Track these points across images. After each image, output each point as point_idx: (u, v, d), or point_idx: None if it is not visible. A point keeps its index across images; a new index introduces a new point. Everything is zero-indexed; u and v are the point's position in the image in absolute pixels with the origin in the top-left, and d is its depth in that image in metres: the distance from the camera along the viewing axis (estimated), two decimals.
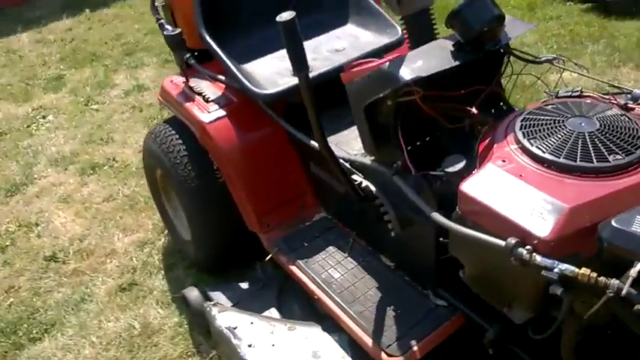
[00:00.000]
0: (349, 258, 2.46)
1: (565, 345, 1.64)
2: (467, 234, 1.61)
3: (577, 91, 1.86)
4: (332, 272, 2.41)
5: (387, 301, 2.23)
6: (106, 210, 3.79)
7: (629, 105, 1.75)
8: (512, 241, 1.49)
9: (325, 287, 2.35)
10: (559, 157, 1.58)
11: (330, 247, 2.53)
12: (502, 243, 1.50)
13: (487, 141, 1.78)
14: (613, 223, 1.40)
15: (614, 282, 1.36)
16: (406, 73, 1.81)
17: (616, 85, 1.99)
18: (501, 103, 2.10)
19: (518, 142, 1.68)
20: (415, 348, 2.02)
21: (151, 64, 5.57)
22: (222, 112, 2.70)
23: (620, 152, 1.55)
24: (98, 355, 2.88)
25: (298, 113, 2.67)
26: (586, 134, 1.62)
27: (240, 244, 2.98)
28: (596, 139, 1.60)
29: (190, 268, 3.24)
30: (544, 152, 1.61)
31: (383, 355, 2.05)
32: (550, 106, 1.78)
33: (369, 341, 2.11)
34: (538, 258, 1.45)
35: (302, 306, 2.59)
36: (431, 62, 1.84)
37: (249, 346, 2.34)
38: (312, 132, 2.02)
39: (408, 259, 2.27)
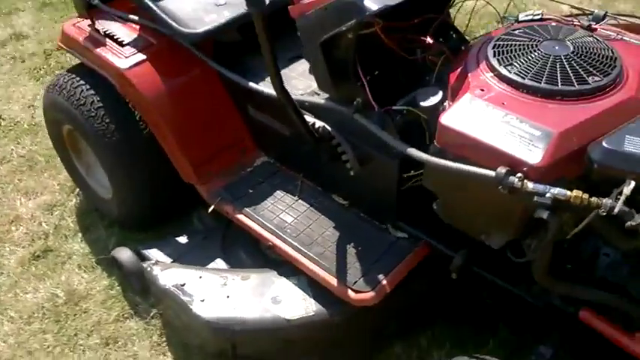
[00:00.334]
0: (300, 201, 2.41)
1: (539, 266, 1.76)
2: (451, 167, 1.62)
3: (538, 15, 1.90)
4: (284, 217, 2.35)
5: (346, 240, 2.23)
6: (1, 174, 3.37)
7: (592, 26, 1.82)
8: (502, 170, 1.52)
9: (280, 233, 2.29)
10: (540, 83, 1.62)
11: (278, 192, 2.46)
12: (492, 173, 1.53)
13: (459, 71, 1.78)
14: (604, 144, 1.47)
15: (607, 201, 1.42)
16: (371, 3, 1.75)
17: (576, 6, 2.05)
18: (452, 32, 2.11)
19: (493, 69, 1.70)
20: (383, 282, 2.05)
21: (26, 8, 4.93)
22: (141, 57, 2.47)
23: (597, 74, 1.63)
24: (20, 330, 2.62)
25: (228, 53, 2.52)
26: (562, 58, 1.67)
27: (170, 198, 2.81)
28: (573, 62, 1.66)
29: (111, 227, 3.01)
30: (524, 78, 1.64)
31: (350, 292, 2.06)
32: (518, 31, 1.80)
33: (333, 281, 2.10)
34: (530, 185, 1.49)
35: (250, 254, 2.52)
36: None
37: (202, 301, 2.25)
38: (246, 73, 1.88)
39: (365, 196, 2.27)
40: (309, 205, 2.39)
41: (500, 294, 2.04)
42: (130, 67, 2.43)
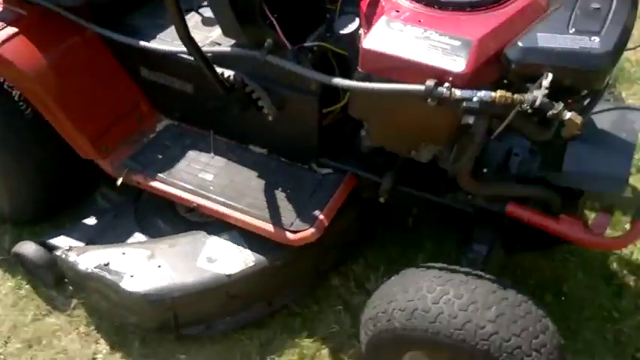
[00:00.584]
0: (216, 157, 2.35)
1: (465, 172, 1.88)
2: (381, 89, 1.66)
3: None
4: (203, 175, 2.29)
5: (273, 186, 2.23)
6: None
7: None
8: (431, 82, 1.60)
9: (203, 192, 2.22)
10: None
11: (190, 152, 2.38)
12: (421, 87, 1.60)
13: None
14: (519, 43, 1.59)
15: (528, 95, 1.54)
16: None
17: None
18: None
19: None
20: (320, 217, 2.09)
21: None
22: (12, 30, 2.23)
23: None
24: None
25: (107, 14, 2.35)
26: None
27: (67, 181, 2.60)
28: None
29: (2, 225, 2.73)
30: None
31: (289, 234, 2.07)
32: None
33: (269, 227, 2.10)
34: (458, 92, 1.59)
35: (169, 221, 2.42)
36: None
37: (132, 276, 2.15)
38: (131, 33, 1.79)
39: (284, 139, 2.26)
40: (227, 160, 2.34)
41: (428, 208, 2.17)
42: (2, 44, 2.18)
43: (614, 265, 2.50)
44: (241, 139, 2.38)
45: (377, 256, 2.53)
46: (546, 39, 1.61)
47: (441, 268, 1.86)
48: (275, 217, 2.11)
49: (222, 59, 2.08)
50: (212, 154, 2.36)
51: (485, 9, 1.70)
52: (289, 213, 2.12)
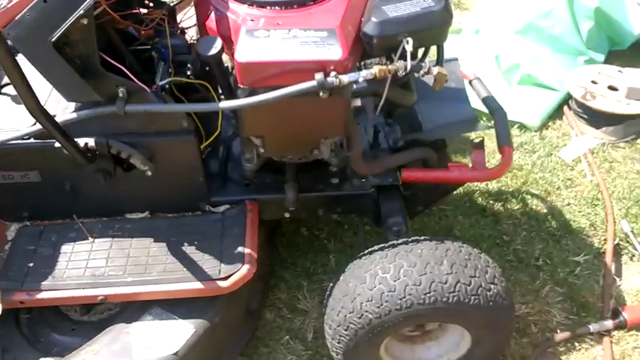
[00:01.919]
0: (96, 240, 2.07)
1: (357, 158, 1.98)
2: (275, 96, 1.63)
3: None
4: (94, 264, 1.99)
5: (177, 245, 2.03)
6: None
7: None
8: (319, 75, 1.62)
9: (104, 281, 1.94)
10: None
11: (64, 247, 2.05)
12: (313, 82, 1.62)
13: (213, 17, 1.75)
14: (374, 19, 1.69)
15: (399, 63, 1.68)
16: None
17: None
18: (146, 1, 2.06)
19: (246, 1, 1.73)
20: (247, 251, 1.96)
21: None
22: None
23: None
24: None
25: None
26: None
27: None
28: None
29: None
30: None
31: (220, 283, 1.92)
32: None
33: (196, 285, 1.92)
34: (345, 78, 1.64)
35: (65, 331, 2.07)
36: None
37: None
38: None
39: (165, 193, 2.08)
40: (110, 239, 2.07)
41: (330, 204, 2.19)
42: None
43: (480, 200, 2.79)
44: (113, 211, 2.13)
45: (294, 274, 2.47)
46: (393, 9, 1.74)
47: (380, 249, 1.89)
48: (197, 272, 1.94)
49: (76, 126, 1.84)
50: (90, 239, 2.07)
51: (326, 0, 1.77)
52: (210, 262, 1.97)
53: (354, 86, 1.72)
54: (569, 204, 2.80)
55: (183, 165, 2.01)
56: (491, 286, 1.82)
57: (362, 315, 1.79)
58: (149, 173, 1.96)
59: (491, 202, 2.79)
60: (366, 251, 1.92)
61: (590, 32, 3.47)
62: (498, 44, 3.50)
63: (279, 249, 2.55)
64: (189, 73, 1.97)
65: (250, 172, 2.18)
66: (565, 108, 3.32)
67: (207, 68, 2.00)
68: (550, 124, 3.26)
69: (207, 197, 2.12)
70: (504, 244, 2.60)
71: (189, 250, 2.02)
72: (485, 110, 2.25)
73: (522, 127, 3.20)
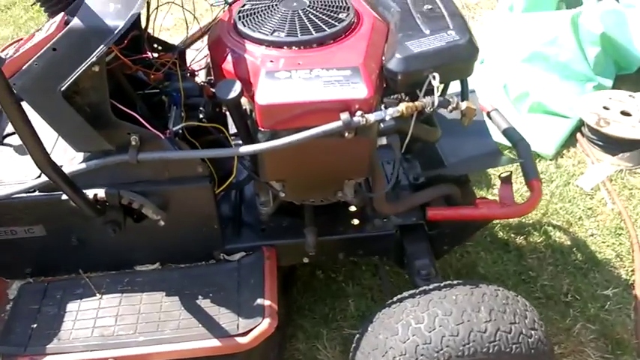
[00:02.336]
0: (104, 297, 1.93)
1: (380, 198, 1.89)
2: (301, 139, 1.53)
3: None
4: (103, 323, 1.86)
5: (191, 299, 1.90)
6: None
7: None
8: (345, 115, 1.53)
9: (114, 341, 1.80)
10: (323, 31, 1.66)
11: (69, 305, 1.91)
12: (338, 123, 1.52)
13: (229, 59, 1.66)
14: (398, 55, 1.61)
15: (426, 99, 1.60)
16: (114, 21, 1.50)
17: None
18: (155, 43, 1.98)
19: (262, 42, 1.65)
20: (267, 303, 1.83)
21: None
22: None
23: (343, 12, 1.73)
24: None
25: None
26: (300, 11, 1.72)
27: None
28: (310, 15, 1.72)
29: None
30: (309, 34, 1.64)
31: (239, 339, 1.78)
32: (249, 6, 1.78)
33: (213, 343, 1.78)
34: (371, 117, 1.55)
35: None
36: (119, 13, 1.55)
37: None
38: None
39: (178, 242, 1.96)
40: (119, 294, 1.94)
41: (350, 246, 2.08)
42: None
43: (501, 234, 2.69)
44: (122, 264, 2.00)
45: (312, 322, 2.34)
46: (417, 45, 1.66)
47: (410, 296, 1.77)
48: (214, 328, 1.81)
49: (84, 177, 1.73)
50: (98, 295, 1.94)
51: (344, 37, 1.69)
52: (227, 317, 1.83)
53: (380, 125, 1.63)
54: (592, 235, 2.70)
55: (197, 213, 1.90)
56: (532, 332, 1.69)
57: None
58: (162, 223, 1.84)
59: (512, 235, 2.68)
60: (395, 299, 1.80)
61: (597, 58, 3.42)
62: (505, 73, 3.44)
63: (295, 295, 2.42)
64: (201, 116, 1.88)
65: (266, 216, 2.07)
66: (578, 135, 3.25)
67: (219, 110, 1.92)
68: (564, 152, 3.18)
69: (221, 245, 2.00)
70: (531, 280, 2.49)
71: (203, 303, 1.89)
72: (505, 142, 2.16)
73: (537, 156, 3.12)
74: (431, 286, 1.78)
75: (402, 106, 1.58)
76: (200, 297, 1.91)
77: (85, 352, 1.79)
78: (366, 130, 1.58)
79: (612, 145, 3.08)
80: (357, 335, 1.83)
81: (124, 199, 1.79)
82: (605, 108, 3.17)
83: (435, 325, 1.65)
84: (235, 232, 2.06)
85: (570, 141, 3.24)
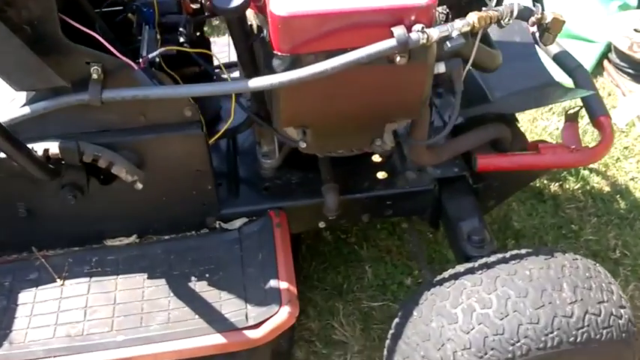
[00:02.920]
0: (67, 283, 1.49)
1: (420, 147, 1.49)
2: (336, 66, 1.09)
3: None
4: (67, 319, 1.42)
5: (182, 279, 1.48)
6: None
7: None
8: (399, 30, 1.08)
9: (83, 344, 1.37)
10: None
11: (22, 295, 1.47)
12: (391, 42, 1.08)
13: None
14: None
15: (504, 7, 1.19)
16: None
17: None
18: None
19: None
20: (282, 285, 1.42)
21: None
22: None
23: None
24: None
25: None
26: None
27: None
28: None
29: None
30: None
31: (251, 333, 1.38)
32: None
33: (215, 339, 1.38)
34: (434, 32, 1.11)
35: None
36: None
37: None
38: None
39: (160, 208, 1.52)
40: (88, 278, 1.50)
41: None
42: None
43: (533, 182, 2.31)
44: (87, 239, 1.55)
45: (324, 295, 1.97)
46: None
47: (467, 271, 1.39)
48: (216, 320, 1.40)
49: (31, 127, 1.25)
50: (59, 281, 1.49)
51: None
52: (232, 305, 1.43)
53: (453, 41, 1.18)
54: (632, 178, 2.36)
55: (185, 170, 1.46)
56: (621, 311, 1.35)
57: None
58: (139, 186, 1.39)
59: (545, 182, 2.32)
60: (447, 275, 1.42)
61: None
62: None
63: (300, 262, 2.02)
64: (182, 40, 1.40)
65: (270, 171, 1.64)
66: (605, 63, 2.86)
67: (201, 33, 1.45)
68: None
69: (216, 210, 1.57)
70: (573, 234, 2.14)
71: (199, 287, 1.47)
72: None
73: None
74: (492, 258, 1.40)
75: (474, 17, 1.17)
76: (193, 278, 1.49)
77: None
78: (424, 52, 1.15)
79: None
80: (397, 320, 1.45)
81: (87, 155, 1.33)
82: (636, 31, 2.77)
83: (508, 311, 1.28)
84: (232, 193, 1.63)
85: (597, 70, 2.86)
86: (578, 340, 1.27)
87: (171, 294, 1.46)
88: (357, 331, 1.87)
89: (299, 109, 1.25)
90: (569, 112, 1.61)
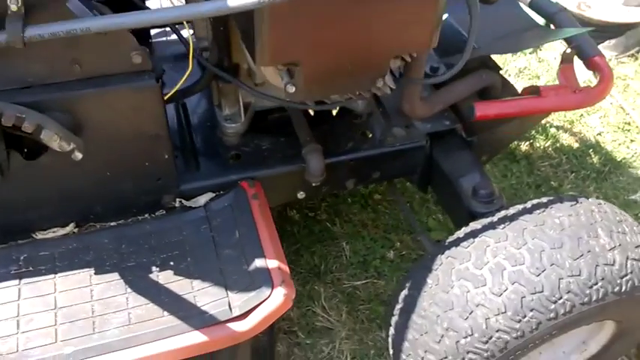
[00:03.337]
0: (21, 283, 1.16)
1: (414, 87, 1.29)
2: None
3: None
4: (26, 325, 1.10)
5: (139, 272, 1.19)
6: None
7: None
8: None
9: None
10: None
11: None
12: None
13: None
14: None
15: None
16: None
17: None
18: None
19: None
20: (268, 264, 1.17)
21: None
22: None
23: None
24: None
25: None
26: None
27: None
28: None
29: None
30: None
31: (237, 326, 1.11)
32: None
33: (194, 338, 1.10)
34: None
35: None
36: None
37: None
38: None
39: (101, 187, 1.22)
40: (17, 281, 1.17)
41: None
42: None
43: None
44: (11, 231, 1.22)
45: (300, 279, 1.72)
46: None
47: (486, 228, 1.19)
48: (191, 315, 1.12)
49: None
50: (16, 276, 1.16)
51: None
52: (209, 296, 1.16)
53: None
54: (600, 133, 2.29)
55: (136, 134, 1.16)
56: None
57: (490, 337, 1.10)
58: (78, 156, 1.09)
59: (515, 142, 2.19)
60: (461, 234, 1.22)
61: None
62: None
63: None
64: None
65: (235, 137, 1.38)
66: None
67: None
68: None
69: (174, 186, 1.28)
70: (552, 191, 2.02)
71: (163, 277, 1.19)
72: None
73: None
74: (512, 210, 1.21)
75: None
76: (154, 269, 1.20)
77: None
78: None
79: (595, 31, 2.65)
80: (405, 293, 1.24)
81: (6, 118, 1.01)
82: None
83: (544, 265, 1.10)
84: (191, 165, 1.35)
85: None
86: (623, 289, 1.11)
87: (129, 289, 1.16)
88: (342, 315, 1.64)
89: (290, 38, 1.00)
90: (564, 53, 1.46)
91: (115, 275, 1.19)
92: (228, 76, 1.21)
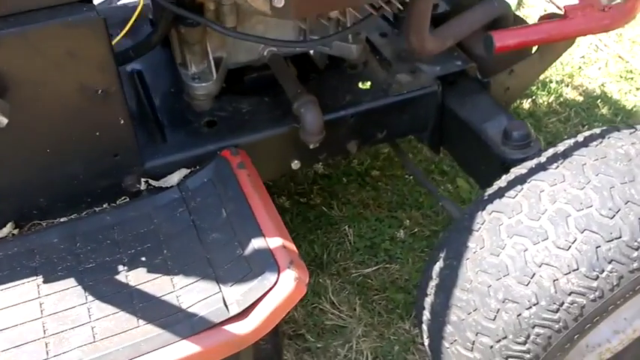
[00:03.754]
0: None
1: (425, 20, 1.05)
2: None
3: None
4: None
5: (101, 274, 0.92)
6: None
7: None
8: None
9: None
10: None
11: None
12: None
13: None
14: None
15: None
16: None
17: None
18: None
19: None
20: (269, 244, 0.91)
21: None
22: None
23: None
24: None
25: None
26: None
27: None
28: None
29: None
30: None
31: (237, 327, 0.85)
32: None
33: (181, 350, 0.84)
34: None
35: None
36: None
37: None
38: None
39: (41, 171, 0.95)
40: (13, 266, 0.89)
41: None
42: None
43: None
44: None
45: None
46: None
47: (534, 171, 0.97)
48: (175, 322, 0.86)
49: None
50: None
51: None
52: (196, 293, 0.89)
53: None
54: (602, 83, 2.10)
55: (78, 91, 0.89)
56: None
57: (562, 303, 0.86)
58: (3, 121, 0.81)
59: (517, 100, 1.99)
60: (504, 182, 0.98)
61: None
62: None
63: None
64: None
65: (207, 100, 1.13)
66: None
67: None
68: None
69: (137, 163, 1.02)
70: None
71: (134, 278, 0.92)
72: None
73: None
74: (561, 146, 0.99)
75: None
76: (121, 268, 0.93)
77: None
78: None
79: None
80: (440, 265, 0.99)
81: None
82: None
83: (618, 204, 0.87)
84: (155, 137, 1.09)
85: None
86: None
87: (90, 298, 0.89)
88: (355, 309, 1.39)
89: None
90: None
91: (71, 281, 0.91)
92: (194, 15, 0.96)
